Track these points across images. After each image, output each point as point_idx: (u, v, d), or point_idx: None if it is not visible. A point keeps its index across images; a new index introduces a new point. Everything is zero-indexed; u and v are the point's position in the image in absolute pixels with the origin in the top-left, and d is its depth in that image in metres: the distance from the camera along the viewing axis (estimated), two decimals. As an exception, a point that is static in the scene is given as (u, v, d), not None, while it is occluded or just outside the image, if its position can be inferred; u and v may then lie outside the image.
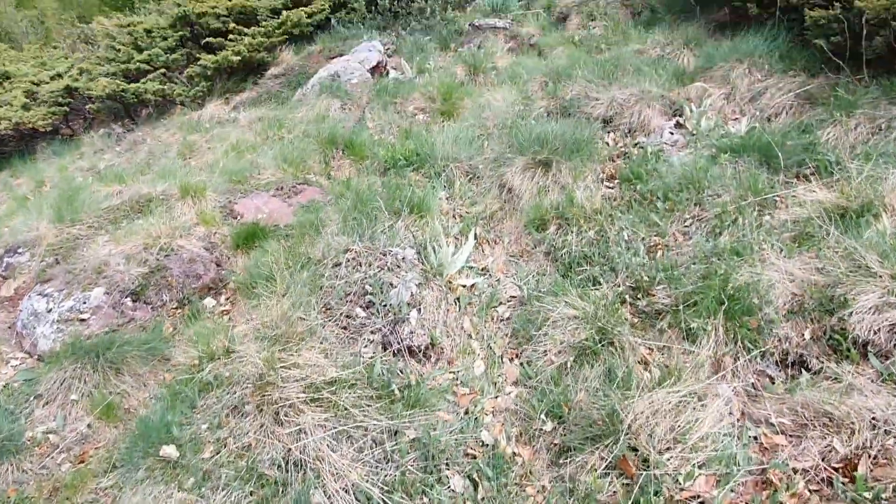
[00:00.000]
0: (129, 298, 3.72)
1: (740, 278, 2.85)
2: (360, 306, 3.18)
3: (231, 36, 7.07)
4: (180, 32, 7.53)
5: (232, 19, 7.57)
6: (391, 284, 3.25)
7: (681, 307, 2.86)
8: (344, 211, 4.11)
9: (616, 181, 4.35)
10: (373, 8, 7.85)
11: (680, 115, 4.94)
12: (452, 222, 4.28)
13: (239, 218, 4.53)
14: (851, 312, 2.52)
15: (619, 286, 3.24)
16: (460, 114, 5.81)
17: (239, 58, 6.69)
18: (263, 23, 7.18)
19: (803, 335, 2.65)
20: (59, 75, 8.00)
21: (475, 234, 3.89)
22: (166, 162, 5.99)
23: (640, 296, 3.15)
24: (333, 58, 7.06)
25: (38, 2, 46.27)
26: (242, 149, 5.54)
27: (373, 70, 6.72)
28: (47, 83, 7.82)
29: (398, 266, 3.40)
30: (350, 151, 5.18)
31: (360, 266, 3.39)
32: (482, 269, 3.85)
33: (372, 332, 3.06)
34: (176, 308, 3.80)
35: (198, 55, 7.11)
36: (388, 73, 6.90)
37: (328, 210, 4.39)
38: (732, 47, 5.38)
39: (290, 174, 4.91)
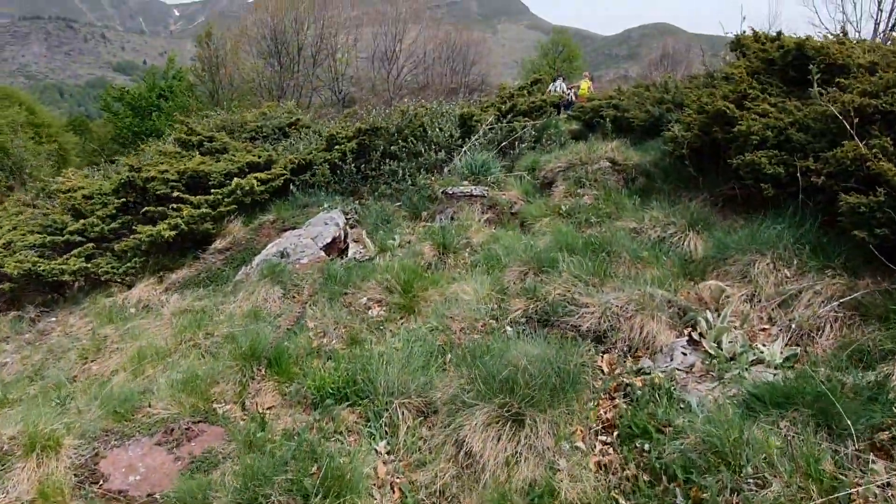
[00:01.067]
0: None
1: None
2: None
3: (174, 205, 6.30)
4: (123, 199, 6.79)
5: (183, 184, 6.86)
6: None
7: None
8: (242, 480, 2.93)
9: (615, 434, 3.18)
10: (338, 171, 7.16)
11: (693, 327, 3.87)
12: (389, 500, 3.06)
13: (102, 482, 3.31)
14: None
15: None
16: (423, 309, 4.78)
17: (175, 232, 5.85)
18: (214, 190, 6.43)
19: None
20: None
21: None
22: (63, 365, 4.88)
23: None
24: (286, 230, 6.22)
25: (59, 136, 48.41)
26: (148, 358, 4.44)
27: (328, 247, 5.83)
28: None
29: None
30: (275, 369, 4.07)
31: None
32: None
33: None
34: None
35: (135, 226, 6.28)
36: (346, 249, 6.01)
37: (226, 471, 3.20)
38: (750, 234, 4.44)
39: (188, 407, 3.76)
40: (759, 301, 4.07)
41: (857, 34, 14.66)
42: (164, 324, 5.07)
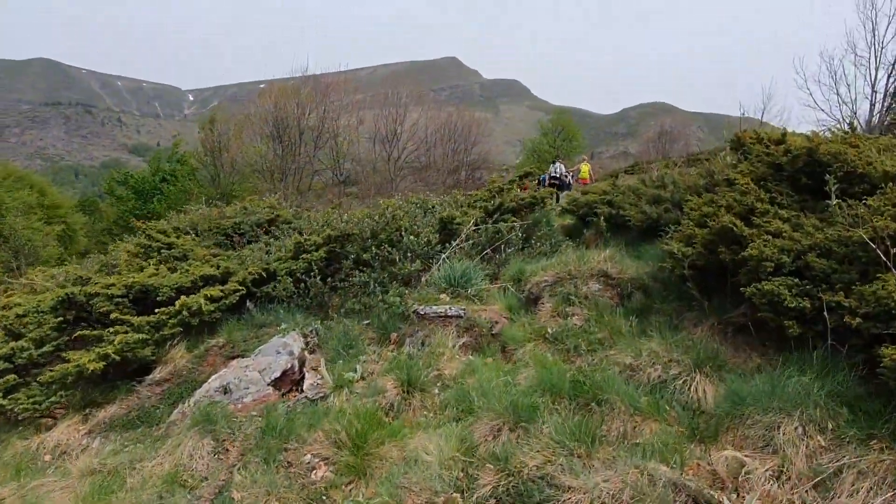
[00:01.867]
0: None
1: None
2: None
3: (112, 329, 5.57)
4: (60, 318, 6.07)
5: (130, 300, 6.17)
6: None
7: None
8: None
9: None
10: (302, 284, 6.46)
11: (709, 522, 3.00)
12: None
13: None
14: None
15: None
16: (376, 471, 3.92)
17: (103, 363, 5.08)
18: (158, 310, 5.72)
19: None
20: None
21: None
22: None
23: None
24: (235, 357, 5.45)
25: (68, 217, 48.45)
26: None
27: (278, 381, 5.03)
28: None
29: None
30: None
31: None
32: None
33: None
34: None
35: (64, 353, 5.53)
36: (302, 380, 5.20)
37: None
38: (770, 384, 3.62)
39: None
40: (789, 479, 3.21)
41: (853, 115, 14.37)
42: (69, 487, 4.20)
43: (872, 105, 14.38)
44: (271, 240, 9.25)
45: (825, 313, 3.65)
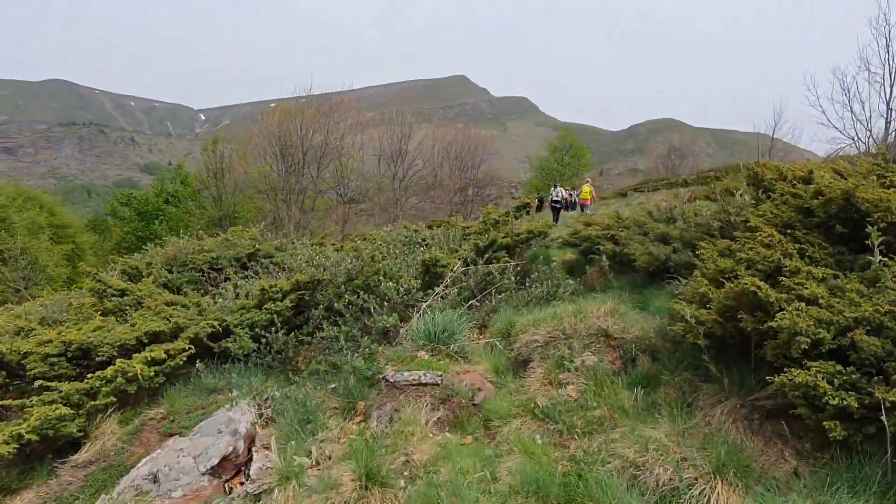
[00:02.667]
0: None
1: None
2: None
3: (37, 398, 4.84)
4: (-12, 381, 5.36)
5: (69, 359, 5.45)
6: None
7: None
8: None
9: None
10: (264, 339, 5.71)
11: None
12: None
13: None
14: None
15: None
16: None
17: (16, 446, 4.35)
18: (90, 375, 4.99)
19: None
20: None
21: None
22: None
23: None
24: (173, 435, 4.70)
25: (77, 236, 48.24)
26: None
27: (217, 469, 4.26)
28: None
29: None
30: None
31: None
32: None
33: None
34: None
35: (-18, 427, 4.80)
36: (249, 464, 4.43)
37: None
38: (812, 509, 2.82)
39: None
40: None
41: (867, 133, 13.65)
42: None
43: (888, 123, 13.66)
44: (241, 281, 8.54)
45: (882, 415, 2.85)
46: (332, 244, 12.74)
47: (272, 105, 41.79)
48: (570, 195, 26.74)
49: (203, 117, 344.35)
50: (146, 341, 5.41)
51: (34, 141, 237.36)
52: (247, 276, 9.17)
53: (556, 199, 23.10)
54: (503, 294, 6.41)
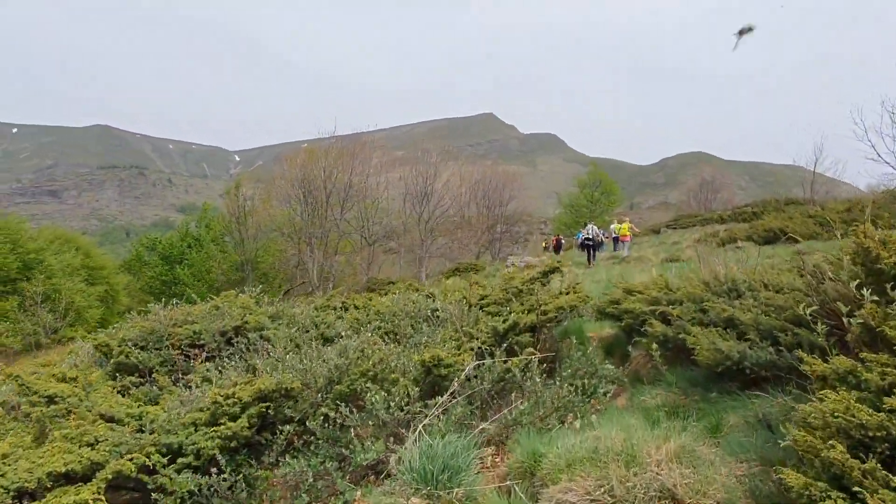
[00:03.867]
0: None
1: None
2: None
3: None
4: None
5: (-39, 500, 4.18)
6: None
7: None
8: None
9: None
10: (211, 474, 4.35)
11: None
12: None
13: None
14: None
15: None
16: None
17: None
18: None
19: None
20: None
21: None
22: None
23: None
24: None
25: (111, 277, 48.30)
26: None
27: None
28: None
29: None
30: None
31: None
32: None
33: None
34: None
35: None
36: None
37: None
38: None
39: None
40: None
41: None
42: None
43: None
44: (222, 363, 7.28)
45: None
46: (342, 303, 11.47)
47: (304, 145, 41.66)
48: (600, 235, 25.56)
49: (238, 158, 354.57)
50: (49, 485, 4.10)
51: (77, 184, 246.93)
52: (231, 354, 7.93)
53: (588, 237, 22.20)
54: (525, 405, 4.95)
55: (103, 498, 3.92)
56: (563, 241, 41.60)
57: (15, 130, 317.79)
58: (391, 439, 4.62)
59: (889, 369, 2.92)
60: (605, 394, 5.42)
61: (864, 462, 2.47)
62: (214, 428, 4.50)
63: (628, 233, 22.78)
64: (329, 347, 5.74)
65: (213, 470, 4.38)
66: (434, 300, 8.39)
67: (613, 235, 24.29)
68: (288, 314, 9.62)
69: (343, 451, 4.44)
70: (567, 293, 7.17)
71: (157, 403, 5.88)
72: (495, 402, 5.38)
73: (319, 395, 4.89)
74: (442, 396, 4.88)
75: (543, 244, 48.17)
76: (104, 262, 55.85)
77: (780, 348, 4.74)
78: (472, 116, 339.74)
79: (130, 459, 4.24)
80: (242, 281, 30.73)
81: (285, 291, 39.50)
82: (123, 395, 6.46)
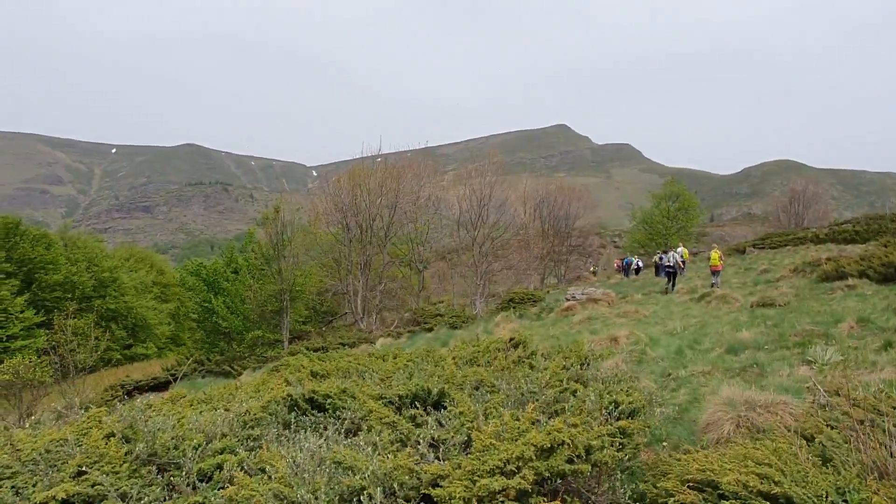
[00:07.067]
0: None
1: None
2: None
3: None
4: None
5: None
6: None
7: None
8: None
9: None
10: None
11: None
12: None
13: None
14: None
15: None
16: None
17: None
18: None
19: None
20: None
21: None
22: None
23: None
24: None
25: (181, 294, 48.11)
26: None
27: None
28: None
29: None
30: None
31: None
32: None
33: None
34: None
35: None
36: None
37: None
38: None
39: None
40: None
41: None
42: None
43: None
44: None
45: None
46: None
47: (378, 160, 39.58)
48: (681, 262, 22.90)
49: (315, 173, 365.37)
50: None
51: (167, 199, 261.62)
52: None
53: (669, 264, 22.23)
54: None
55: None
56: (632, 263, 37.58)
57: (114, 151, 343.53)
58: None
59: None
60: None
61: None
62: None
63: (718, 262, 20.00)
64: None
65: None
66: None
67: (681, 260, 22.76)
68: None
69: None
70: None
71: None
72: None
73: None
74: None
75: (616, 264, 44.20)
76: (177, 279, 55.54)
77: None
78: (544, 128, 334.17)
79: None
80: (280, 312, 28.85)
81: (327, 322, 37.57)
82: None
